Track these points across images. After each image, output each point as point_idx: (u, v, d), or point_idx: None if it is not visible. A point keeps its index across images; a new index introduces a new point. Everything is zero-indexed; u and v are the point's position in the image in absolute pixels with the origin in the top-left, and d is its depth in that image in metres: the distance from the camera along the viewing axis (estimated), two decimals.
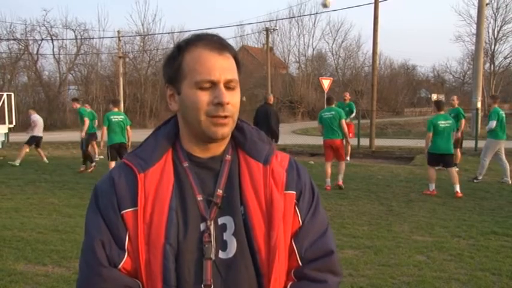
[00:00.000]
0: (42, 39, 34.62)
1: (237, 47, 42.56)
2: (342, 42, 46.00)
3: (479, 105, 16.55)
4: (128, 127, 10.10)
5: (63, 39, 35.17)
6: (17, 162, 12.81)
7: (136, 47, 36.56)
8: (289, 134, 22.15)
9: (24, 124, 26.76)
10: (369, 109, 18.28)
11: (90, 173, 11.24)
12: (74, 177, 10.87)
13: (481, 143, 14.31)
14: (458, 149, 11.28)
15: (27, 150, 13.13)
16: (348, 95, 14.22)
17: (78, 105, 12.14)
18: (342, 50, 46.24)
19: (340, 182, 9.22)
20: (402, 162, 13.74)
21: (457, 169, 11.14)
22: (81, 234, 5.47)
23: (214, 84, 1.13)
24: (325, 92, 20.72)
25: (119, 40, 32.13)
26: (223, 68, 1.14)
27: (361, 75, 44.40)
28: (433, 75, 55.32)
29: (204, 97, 1.13)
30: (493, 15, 39.20)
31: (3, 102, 14.50)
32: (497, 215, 7.09)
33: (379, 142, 16.90)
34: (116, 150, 9.74)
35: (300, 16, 42.66)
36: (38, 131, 13.06)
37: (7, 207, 7.78)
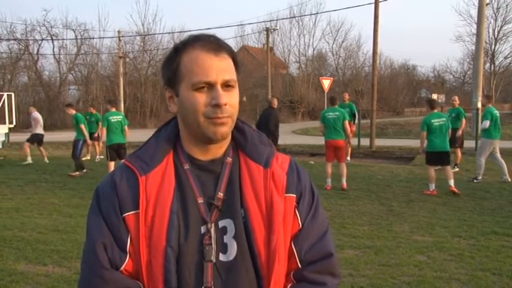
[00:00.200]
0: (43, 39, 34.67)
1: (237, 47, 42.66)
2: (342, 42, 46.08)
3: (479, 105, 16.54)
4: (126, 127, 10.09)
5: (63, 39, 35.23)
6: (29, 160, 12.95)
7: (137, 47, 36.61)
8: (289, 134, 22.15)
9: (24, 124, 26.78)
10: (369, 109, 18.28)
11: (78, 176, 10.86)
12: (74, 177, 10.87)
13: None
14: (459, 149, 11.28)
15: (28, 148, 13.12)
16: (347, 95, 14.20)
17: (73, 111, 11.71)
18: (342, 50, 46.32)
19: (345, 186, 9.17)
20: (402, 162, 13.74)
21: (457, 169, 11.18)
22: (81, 234, 5.48)
23: (211, 86, 1.13)
24: (326, 92, 20.75)
25: (119, 40, 32.15)
26: (220, 68, 1.14)
27: (361, 75, 44.40)
28: (433, 75, 55.40)
29: (201, 99, 1.13)
30: (494, 15, 39.26)
31: (4, 102, 14.50)
32: (498, 215, 7.09)
33: (379, 142, 16.91)
34: (115, 150, 9.75)
35: (301, 16, 42.72)
36: (40, 129, 13.05)
37: (7, 207, 7.78)
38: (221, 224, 1.17)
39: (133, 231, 1.13)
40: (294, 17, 42.64)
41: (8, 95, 14.88)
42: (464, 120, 11.04)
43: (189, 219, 1.15)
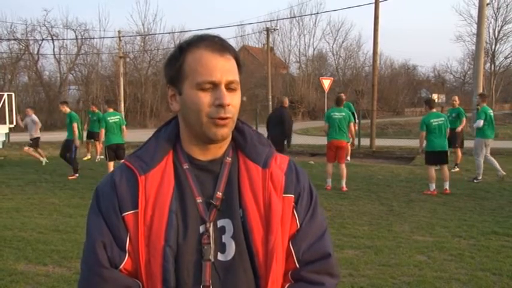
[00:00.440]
0: (43, 39, 34.69)
1: (238, 47, 42.58)
2: (343, 42, 46.09)
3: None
4: (124, 127, 10.09)
5: (63, 39, 35.25)
6: (44, 160, 12.91)
7: (137, 47, 36.63)
8: None
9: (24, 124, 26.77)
10: (370, 109, 18.29)
11: (75, 179, 10.63)
12: (74, 178, 10.86)
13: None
14: (459, 149, 11.28)
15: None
16: (343, 96, 14.14)
17: (67, 109, 11.45)
18: (342, 50, 46.32)
19: (345, 188, 9.13)
20: (403, 162, 13.75)
21: (457, 169, 11.18)
22: (81, 234, 5.48)
23: (215, 86, 1.14)
24: (326, 92, 20.75)
25: (120, 40, 32.14)
26: (224, 69, 1.14)
27: (361, 75, 44.41)
28: (433, 75, 55.39)
29: (205, 98, 1.14)
30: (494, 15, 39.22)
31: (4, 102, 14.50)
32: (498, 215, 7.09)
33: (379, 142, 16.91)
34: (113, 150, 9.77)
35: (301, 16, 42.71)
36: (38, 132, 13.00)
37: (8, 207, 7.79)
38: (220, 223, 1.17)
39: (132, 230, 1.14)
40: (294, 17, 42.69)
41: (8, 95, 14.88)
42: (464, 120, 11.05)
43: (188, 219, 1.15)
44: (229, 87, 1.15)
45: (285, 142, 9.93)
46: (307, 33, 46.82)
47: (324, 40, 60.49)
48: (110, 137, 9.74)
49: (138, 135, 18.48)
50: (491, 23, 38.82)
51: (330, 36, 47.90)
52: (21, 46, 34.37)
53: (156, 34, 36.95)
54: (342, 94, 13.13)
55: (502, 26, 39.86)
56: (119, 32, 32.32)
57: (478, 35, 15.62)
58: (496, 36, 40.25)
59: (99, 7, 77.11)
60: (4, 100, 14.50)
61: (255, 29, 59.55)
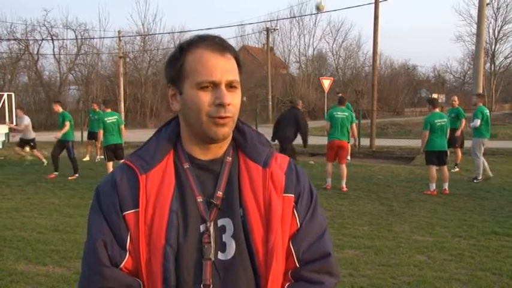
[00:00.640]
0: (43, 39, 34.61)
1: (238, 47, 42.55)
2: (343, 42, 46.05)
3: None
4: (122, 126, 10.09)
5: (63, 39, 35.16)
6: (45, 161, 12.77)
7: (137, 47, 36.58)
8: None
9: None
10: (370, 109, 18.29)
11: (74, 179, 10.59)
12: (74, 179, 10.86)
13: None
14: (459, 149, 11.29)
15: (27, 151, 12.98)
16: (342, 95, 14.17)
17: (60, 108, 11.28)
18: (342, 50, 46.28)
19: (345, 189, 9.13)
20: (403, 162, 13.75)
21: (457, 169, 11.19)
22: (81, 234, 5.49)
23: (215, 85, 1.15)
24: (326, 92, 20.75)
25: (120, 40, 32.12)
26: (224, 69, 1.15)
27: (361, 75, 44.39)
28: (433, 75, 55.40)
29: (205, 98, 1.14)
30: (494, 15, 39.25)
31: (4, 102, 14.50)
32: (498, 215, 7.09)
33: (379, 142, 16.92)
34: (112, 151, 9.77)
35: (301, 16, 42.68)
36: (31, 132, 12.71)
37: (8, 207, 7.79)
38: (220, 222, 1.18)
39: (133, 229, 1.15)
40: (294, 17, 42.65)
41: (8, 95, 14.89)
42: (464, 121, 11.05)
43: (189, 218, 1.16)
44: (229, 86, 1.16)
45: (292, 144, 9.95)
46: (307, 33, 46.83)
47: (324, 40, 60.50)
48: (108, 138, 9.74)
49: (138, 135, 18.48)
50: (491, 23, 38.90)
51: (330, 36, 47.88)
52: (21, 46, 34.35)
53: (156, 34, 36.95)
54: (341, 94, 13.17)
55: (501, 26, 39.93)
56: (119, 32, 32.30)
57: (478, 35, 15.62)
58: (496, 36, 40.31)
59: (99, 7, 77.07)
60: (4, 100, 14.50)
61: (255, 29, 59.52)
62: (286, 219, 1.21)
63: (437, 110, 8.79)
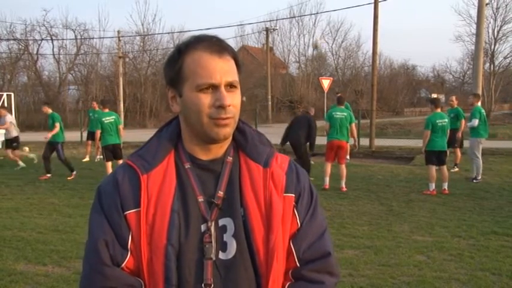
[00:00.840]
0: (42, 39, 34.61)
1: (237, 47, 42.59)
2: (342, 42, 46.00)
3: (479, 104, 16.56)
4: (120, 126, 10.08)
5: (63, 39, 35.16)
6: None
7: (136, 47, 36.58)
8: None
9: (24, 124, 26.79)
10: (369, 109, 18.30)
11: (73, 178, 10.57)
12: (73, 178, 10.86)
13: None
14: (459, 149, 11.30)
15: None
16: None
17: (49, 110, 11.13)
18: (341, 50, 46.23)
19: (344, 189, 9.12)
20: (402, 162, 13.75)
21: (457, 169, 11.19)
22: (81, 234, 5.49)
23: (215, 87, 1.15)
24: (325, 92, 20.74)
25: (119, 40, 32.11)
26: (223, 70, 1.15)
27: (361, 75, 44.36)
28: (433, 75, 55.39)
29: (205, 100, 1.15)
30: (493, 15, 39.18)
31: (3, 102, 14.50)
32: (498, 215, 7.09)
33: (379, 142, 16.92)
34: (110, 151, 9.78)
35: (301, 16, 42.65)
36: (16, 131, 12.43)
37: (7, 207, 7.79)
38: (221, 222, 1.18)
39: (134, 229, 1.15)
40: (294, 17, 42.60)
41: (7, 95, 14.91)
42: (464, 121, 11.06)
43: (190, 218, 1.16)
44: (228, 87, 1.16)
45: (307, 145, 9.98)
46: (306, 33, 46.82)
47: (324, 40, 60.52)
48: (106, 138, 9.75)
49: (137, 135, 18.49)
50: (490, 23, 38.81)
51: (330, 36, 47.85)
52: (20, 46, 34.35)
53: (155, 34, 36.96)
54: (340, 94, 13.20)
55: (501, 26, 39.84)
56: (119, 32, 32.30)
57: (478, 35, 15.62)
58: (495, 36, 40.24)
59: (99, 7, 76.66)
60: (3, 100, 14.50)
61: (254, 29, 59.40)
62: (286, 219, 1.21)
63: (439, 110, 8.80)
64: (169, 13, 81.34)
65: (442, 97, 36.26)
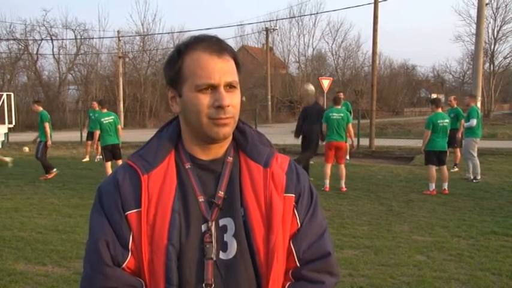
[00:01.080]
0: (42, 39, 34.63)
1: (237, 47, 42.60)
2: (342, 42, 45.98)
3: (479, 105, 16.55)
4: (119, 126, 10.08)
5: (63, 39, 35.18)
6: (9, 161, 12.54)
7: (136, 47, 36.59)
8: (288, 134, 22.12)
9: (24, 124, 26.78)
10: (369, 109, 18.30)
11: (55, 177, 10.55)
12: (73, 177, 10.88)
13: (481, 143, 14.29)
14: (458, 149, 11.30)
15: None
16: (341, 95, 14.11)
17: (39, 108, 11.08)
18: (341, 50, 46.21)
19: (344, 189, 9.11)
20: (402, 162, 13.75)
21: (457, 169, 11.19)
22: (81, 234, 5.49)
23: (214, 88, 1.15)
24: (325, 92, 20.72)
25: (119, 40, 32.12)
26: (223, 71, 1.15)
27: (360, 75, 44.35)
28: (432, 75, 55.40)
29: (204, 100, 1.15)
30: (493, 15, 39.22)
31: (3, 102, 14.48)
32: (497, 215, 7.09)
33: (379, 142, 16.92)
34: (110, 151, 9.78)
35: (300, 16, 42.65)
36: None
37: (7, 207, 7.78)
38: (221, 222, 1.19)
39: (135, 229, 1.15)
40: (294, 17, 42.59)
41: (7, 95, 14.85)
42: (463, 122, 11.07)
43: (190, 218, 1.17)
44: (228, 88, 1.16)
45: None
46: (306, 33, 46.78)
47: (323, 40, 60.58)
48: (105, 138, 9.75)
49: (137, 135, 18.50)
50: (490, 23, 38.85)
51: (329, 36, 47.84)
52: (20, 46, 34.36)
53: (155, 34, 36.97)
54: (341, 93, 13.18)
55: (501, 26, 39.88)
56: (118, 32, 32.32)
57: (477, 35, 15.63)
58: (495, 36, 40.28)
59: (99, 7, 76.70)
60: (3, 100, 14.48)
61: (254, 29, 59.49)
62: (286, 219, 1.22)
63: (439, 110, 8.81)
64: (169, 13, 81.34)
65: (442, 97, 36.27)
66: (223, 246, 1.17)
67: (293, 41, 55.10)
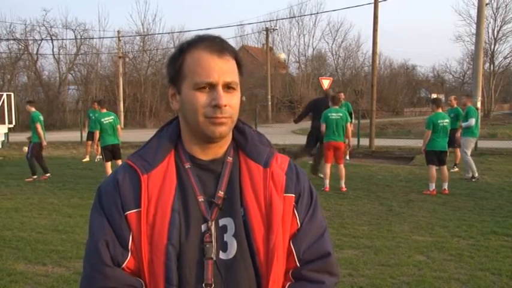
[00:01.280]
0: (42, 39, 34.59)
1: (237, 47, 42.54)
2: (342, 42, 46.00)
3: (479, 105, 16.55)
4: (119, 126, 10.09)
5: (63, 39, 35.15)
6: None
7: (136, 47, 36.59)
8: (288, 134, 22.16)
9: (24, 124, 26.77)
10: (369, 109, 18.30)
11: (46, 179, 10.45)
12: (73, 177, 10.88)
13: (481, 143, 14.35)
14: (458, 149, 11.29)
15: None
16: (342, 95, 14.10)
17: (32, 109, 11.02)
18: (341, 50, 46.22)
19: (344, 189, 9.10)
20: (402, 162, 13.75)
21: (457, 169, 11.19)
22: (81, 234, 5.49)
23: (212, 86, 1.15)
24: (325, 92, 20.71)
25: (119, 40, 32.13)
26: (222, 70, 1.15)
27: (360, 75, 44.35)
28: (432, 75, 55.45)
29: (202, 98, 1.15)
30: (493, 15, 39.26)
31: (3, 102, 14.49)
32: (497, 215, 7.09)
33: (379, 142, 16.92)
34: (109, 151, 9.79)
35: (300, 16, 42.66)
36: None
37: (7, 207, 7.78)
38: (221, 222, 1.19)
39: (135, 229, 1.15)
40: (294, 17, 42.62)
41: (7, 95, 14.86)
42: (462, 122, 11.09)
43: (190, 218, 1.17)
44: (227, 88, 1.16)
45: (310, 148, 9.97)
46: (306, 33, 46.83)
47: (323, 40, 60.60)
48: (105, 138, 9.75)
49: (137, 135, 18.50)
50: (490, 23, 38.90)
51: (329, 36, 47.87)
52: (20, 46, 34.32)
53: (155, 34, 36.96)
54: (342, 94, 13.15)
55: (501, 26, 39.92)
56: (118, 32, 32.33)
57: (477, 35, 15.63)
58: (495, 36, 40.31)
59: (99, 7, 76.71)
60: (3, 100, 14.48)
61: (254, 29, 59.57)
62: (286, 219, 1.22)
63: (440, 110, 8.81)
64: (169, 13, 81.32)
65: (442, 97, 36.29)
66: (223, 246, 1.17)
67: (293, 41, 55.16)
